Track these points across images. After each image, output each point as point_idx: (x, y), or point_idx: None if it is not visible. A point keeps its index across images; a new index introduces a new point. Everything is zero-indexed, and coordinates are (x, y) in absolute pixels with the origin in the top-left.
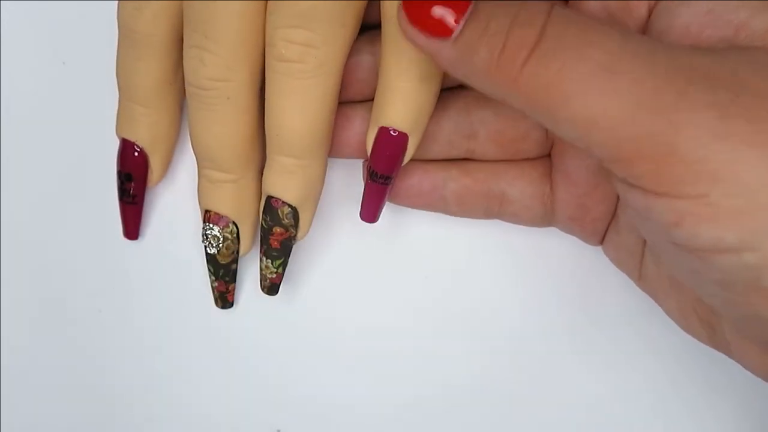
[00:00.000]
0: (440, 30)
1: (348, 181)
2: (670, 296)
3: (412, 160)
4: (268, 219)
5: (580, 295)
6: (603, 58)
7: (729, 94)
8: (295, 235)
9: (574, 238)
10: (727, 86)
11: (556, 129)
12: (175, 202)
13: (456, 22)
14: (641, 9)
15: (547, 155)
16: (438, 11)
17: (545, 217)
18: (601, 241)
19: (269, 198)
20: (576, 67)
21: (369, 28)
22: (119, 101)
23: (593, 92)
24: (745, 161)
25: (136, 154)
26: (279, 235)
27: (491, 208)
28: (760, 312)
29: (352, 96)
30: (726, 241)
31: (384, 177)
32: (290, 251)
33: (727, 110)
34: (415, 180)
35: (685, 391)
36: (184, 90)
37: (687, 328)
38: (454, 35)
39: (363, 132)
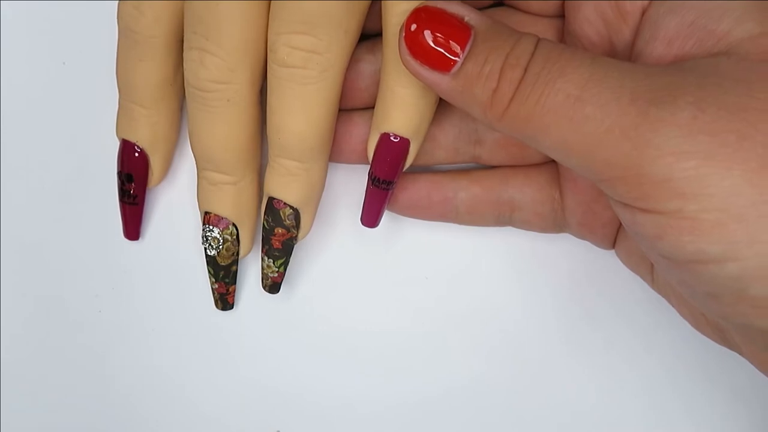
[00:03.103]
0: (440, 64)
1: (347, 182)
2: (681, 300)
3: (420, 173)
4: (270, 220)
5: (580, 296)
6: (573, 87)
7: (692, 109)
8: (297, 236)
9: (573, 239)
10: (691, 102)
11: (545, 153)
12: (176, 202)
13: (455, 56)
14: (635, 15)
15: (553, 161)
16: (437, 46)
17: (557, 223)
18: (613, 246)
19: (271, 199)
20: (549, 99)
21: (367, 36)
22: (119, 102)
23: (565, 120)
24: (710, 177)
25: (137, 154)
26: (281, 235)
27: (502, 216)
28: (752, 322)
29: (355, 104)
30: (708, 253)
31: (386, 182)
32: (291, 251)
33: (689, 127)
34: (425, 193)
35: (686, 393)
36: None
37: (700, 331)
38: (453, 70)
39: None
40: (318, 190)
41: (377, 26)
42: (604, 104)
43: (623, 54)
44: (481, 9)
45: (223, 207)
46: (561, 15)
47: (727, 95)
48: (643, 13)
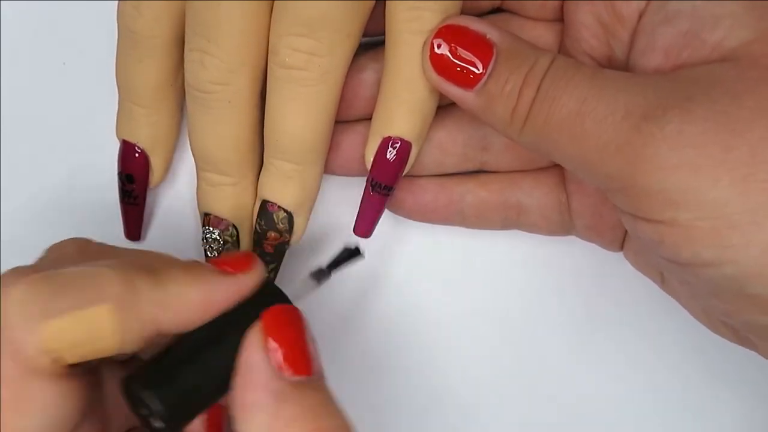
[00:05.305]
0: (464, 81)
1: (342, 187)
2: (691, 299)
3: (426, 176)
4: (262, 223)
5: (585, 297)
6: (574, 103)
7: (679, 123)
8: (289, 240)
9: (578, 241)
10: (679, 115)
11: (562, 165)
12: (177, 202)
13: (479, 73)
14: (632, 19)
15: (559, 164)
16: (462, 63)
17: (563, 226)
18: (621, 248)
19: (265, 202)
20: (555, 116)
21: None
22: (119, 102)
23: (569, 136)
24: (699, 188)
25: (137, 155)
26: (273, 239)
27: (509, 219)
28: (754, 318)
29: (356, 113)
30: (704, 257)
31: (387, 188)
32: (283, 257)
33: (677, 141)
34: (432, 196)
35: (691, 395)
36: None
37: (713, 329)
38: (477, 87)
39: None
40: (312, 195)
41: (379, 30)
42: (601, 120)
43: (622, 57)
44: (480, 15)
45: (223, 208)
46: (560, 19)
47: (715, 106)
48: (640, 16)
